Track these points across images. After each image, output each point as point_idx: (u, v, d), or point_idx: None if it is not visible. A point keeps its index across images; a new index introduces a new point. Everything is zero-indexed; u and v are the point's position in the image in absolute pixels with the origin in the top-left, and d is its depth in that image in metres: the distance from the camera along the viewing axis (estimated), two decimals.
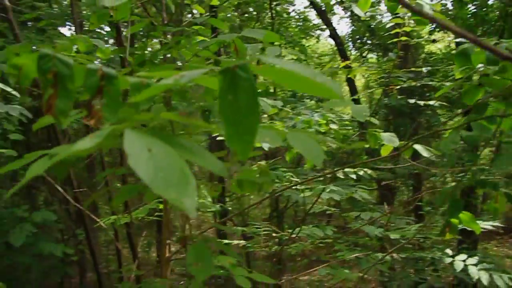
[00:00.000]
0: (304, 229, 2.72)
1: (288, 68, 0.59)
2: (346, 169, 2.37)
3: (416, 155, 2.11)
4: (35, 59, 0.72)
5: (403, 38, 2.73)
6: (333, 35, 7.54)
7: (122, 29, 2.86)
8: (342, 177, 2.37)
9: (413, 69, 4.39)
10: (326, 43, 11.99)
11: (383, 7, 7.11)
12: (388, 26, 7.30)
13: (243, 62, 0.66)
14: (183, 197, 0.55)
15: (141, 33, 5.91)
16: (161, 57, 1.89)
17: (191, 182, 0.58)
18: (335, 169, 2.39)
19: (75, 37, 1.78)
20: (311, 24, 8.71)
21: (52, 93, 0.74)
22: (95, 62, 1.32)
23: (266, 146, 2.08)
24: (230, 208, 6.95)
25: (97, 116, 0.80)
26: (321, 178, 2.98)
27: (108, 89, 0.79)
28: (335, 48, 8.39)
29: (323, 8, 7.34)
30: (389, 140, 1.88)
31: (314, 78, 0.59)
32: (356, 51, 9.39)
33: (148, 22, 2.01)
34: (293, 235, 2.72)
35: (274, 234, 3.20)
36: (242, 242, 3.39)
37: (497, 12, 6.05)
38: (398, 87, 3.51)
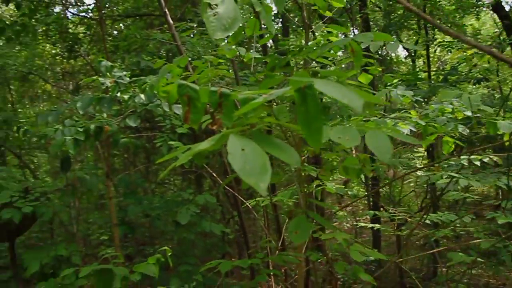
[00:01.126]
0: (439, 216, 2.78)
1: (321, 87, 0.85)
2: (472, 156, 2.38)
3: None
4: (175, 87, 1.11)
5: None
6: (498, 7, 6.90)
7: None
8: (466, 164, 2.39)
9: None
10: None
11: None
12: None
13: (309, 83, 0.94)
14: (259, 182, 0.86)
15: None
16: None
17: (267, 173, 0.88)
18: (460, 155, 2.42)
19: (222, 48, 2.31)
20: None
21: (187, 109, 1.12)
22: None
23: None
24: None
25: (219, 122, 1.16)
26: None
27: (225, 104, 1.14)
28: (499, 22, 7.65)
29: None
30: (506, 128, 1.89)
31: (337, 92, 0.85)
32: None
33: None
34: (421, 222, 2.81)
35: (408, 219, 3.30)
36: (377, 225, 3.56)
37: None
38: None
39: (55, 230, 7.98)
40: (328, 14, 2.35)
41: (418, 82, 6.48)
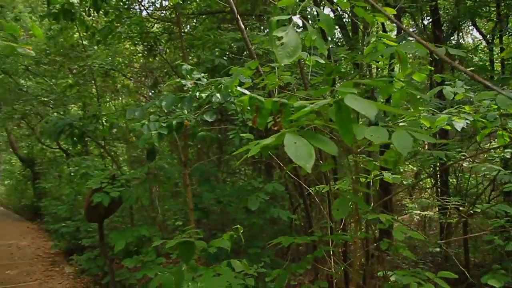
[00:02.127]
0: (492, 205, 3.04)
1: (348, 101, 1.27)
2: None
3: None
4: (247, 98, 1.58)
5: None
6: None
7: None
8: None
9: None
10: None
11: None
12: None
13: (342, 98, 1.37)
14: (306, 164, 1.30)
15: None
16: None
17: (312, 158, 1.32)
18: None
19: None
20: None
21: (255, 115, 1.58)
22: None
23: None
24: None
25: (279, 124, 1.62)
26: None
27: (284, 110, 1.59)
28: None
29: None
30: None
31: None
32: None
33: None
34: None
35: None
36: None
37: None
38: None
39: (134, 214, 8.87)
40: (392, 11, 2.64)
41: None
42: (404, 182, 3.91)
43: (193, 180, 7.59)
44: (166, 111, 3.73)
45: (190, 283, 2.97)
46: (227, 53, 6.60)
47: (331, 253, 3.42)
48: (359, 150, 2.72)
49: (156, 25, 7.72)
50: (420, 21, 9.11)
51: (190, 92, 3.67)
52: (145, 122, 4.16)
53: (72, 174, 9.26)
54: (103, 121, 6.66)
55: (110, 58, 8.52)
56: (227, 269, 3.23)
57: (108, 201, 5.56)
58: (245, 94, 3.36)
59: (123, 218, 9.27)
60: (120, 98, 13.83)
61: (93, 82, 8.65)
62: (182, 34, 6.33)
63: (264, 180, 6.94)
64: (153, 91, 9.46)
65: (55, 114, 9.53)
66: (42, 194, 15.51)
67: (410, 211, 10.10)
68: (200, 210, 6.02)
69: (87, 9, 5.59)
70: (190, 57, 7.55)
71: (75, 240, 9.91)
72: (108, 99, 13.24)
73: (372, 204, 5.59)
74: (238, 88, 2.57)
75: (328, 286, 3.26)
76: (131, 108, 4.56)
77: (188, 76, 3.70)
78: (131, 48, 8.95)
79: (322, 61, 2.69)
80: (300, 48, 1.58)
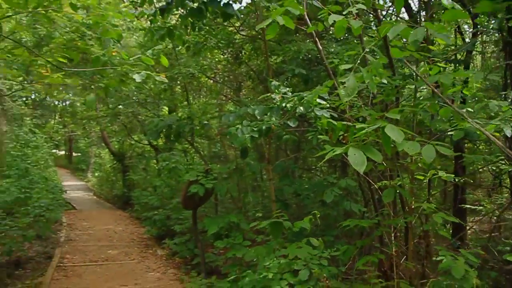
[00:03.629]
0: None
1: (387, 130, 2.23)
2: None
3: None
4: (325, 121, 2.57)
5: None
6: None
7: None
8: None
9: None
10: None
11: None
12: None
13: (384, 126, 2.32)
14: (360, 168, 2.29)
15: None
16: None
17: (364, 164, 2.30)
18: None
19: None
20: None
21: (331, 133, 2.57)
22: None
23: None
24: None
25: (346, 139, 2.60)
26: None
27: (350, 130, 2.57)
28: None
29: None
30: None
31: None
32: None
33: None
34: None
35: None
36: None
37: None
38: None
39: (218, 205, 10.12)
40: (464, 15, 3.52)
41: None
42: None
43: (273, 175, 8.64)
44: (259, 118, 4.80)
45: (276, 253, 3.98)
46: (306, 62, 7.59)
47: (391, 236, 4.31)
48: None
49: (242, 35, 8.81)
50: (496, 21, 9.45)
51: (278, 104, 4.70)
52: (239, 127, 5.25)
53: (162, 168, 10.67)
54: (197, 122, 7.89)
55: (195, 65, 9.76)
56: (307, 246, 4.24)
57: (203, 192, 6.78)
58: (322, 103, 4.35)
59: (208, 208, 10.56)
60: (202, 97, 15.26)
61: (183, 86, 9.97)
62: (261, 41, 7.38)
63: (339, 176, 7.86)
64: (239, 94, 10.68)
65: (151, 115, 11.06)
66: (131, 186, 17.45)
67: (486, 211, 10.47)
68: (281, 202, 7.05)
69: (185, 27, 6.81)
70: (272, 64, 8.59)
71: (165, 226, 11.41)
72: (191, 98, 14.70)
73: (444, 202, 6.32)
74: (317, 111, 3.55)
75: (387, 263, 4.17)
76: (226, 114, 5.70)
77: (276, 90, 4.74)
78: (218, 57, 10.13)
79: (385, 82, 3.61)
80: (357, 89, 2.55)
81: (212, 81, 12.38)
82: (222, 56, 9.61)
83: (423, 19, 6.03)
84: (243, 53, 8.59)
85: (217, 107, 12.97)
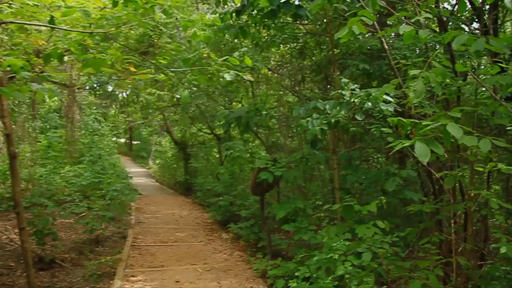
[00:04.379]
0: None
1: (449, 128, 2.80)
2: None
3: None
4: (396, 119, 3.15)
5: None
6: None
7: None
8: None
9: None
10: None
11: None
12: None
13: (446, 124, 2.88)
14: (424, 160, 2.88)
15: None
16: None
17: (428, 156, 2.90)
18: None
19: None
20: None
21: (400, 129, 3.16)
22: None
23: None
24: None
25: (413, 133, 3.19)
26: None
27: (416, 126, 3.15)
28: None
29: None
30: None
31: None
32: None
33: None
34: None
35: None
36: None
37: None
38: None
39: (280, 192, 10.79)
40: None
41: None
42: None
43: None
44: (329, 113, 5.41)
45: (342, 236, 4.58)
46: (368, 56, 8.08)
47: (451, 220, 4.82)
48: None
49: (308, 32, 9.36)
50: None
51: (347, 99, 5.29)
52: (309, 119, 5.88)
53: (226, 156, 11.46)
54: (265, 113, 8.57)
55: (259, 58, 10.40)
56: (374, 227, 4.83)
57: (272, 179, 7.46)
58: (388, 99, 4.90)
59: (269, 195, 11.28)
60: (262, 89, 15.96)
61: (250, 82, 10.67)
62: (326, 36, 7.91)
63: (399, 167, 8.33)
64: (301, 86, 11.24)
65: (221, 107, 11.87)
66: (192, 173, 18.52)
67: None
68: (344, 190, 7.60)
69: (255, 25, 7.48)
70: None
71: (229, 212, 12.27)
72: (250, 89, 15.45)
73: None
74: (382, 106, 4.12)
75: (446, 246, 4.69)
76: (296, 108, 6.34)
77: (345, 87, 5.32)
78: (283, 50, 10.75)
79: (448, 82, 4.12)
80: (424, 92, 3.11)
81: (272, 72, 13.02)
82: (286, 50, 10.21)
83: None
84: (307, 48, 9.17)
85: (277, 99, 13.59)
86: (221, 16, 6.99)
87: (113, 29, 4.95)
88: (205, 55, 4.88)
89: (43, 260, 8.70)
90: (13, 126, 16.97)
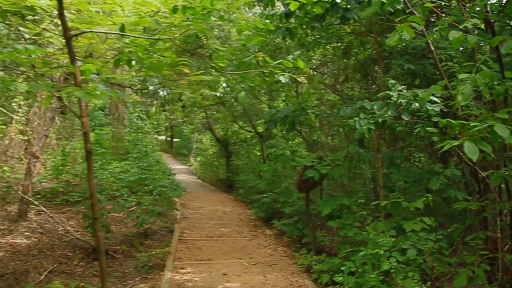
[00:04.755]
0: None
1: (496, 128, 3.03)
2: None
3: None
4: (445, 121, 3.39)
5: None
6: None
7: None
8: None
9: None
10: None
11: None
12: None
13: (493, 124, 3.11)
14: (473, 157, 3.12)
15: None
16: None
17: (476, 154, 3.14)
18: None
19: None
20: None
21: (450, 129, 3.40)
22: None
23: None
24: None
25: (462, 133, 3.42)
26: None
27: (466, 127, 3.38)
28: None
29: None
30: None
31: None
32: None
33: None
34: None
35: None
36: None
37: None
38: None
39: (322, 190, 11.04)
40: None
41: None
42: None
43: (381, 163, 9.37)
44: (377, 113, 5.65)
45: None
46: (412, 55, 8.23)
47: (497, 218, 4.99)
48: None
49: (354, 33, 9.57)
50: None
51: (393, 100, 5.51)
52: (356, 119, 6.12)
53: (269, 154, 11.79)
54: (311, 112, 8.86)
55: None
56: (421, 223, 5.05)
57: (318, 176, 7.74)
58: (435, 100, 5.10)
59: (314, 192, 11.54)
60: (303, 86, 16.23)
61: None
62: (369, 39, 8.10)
63: (443, 166, 8.45)
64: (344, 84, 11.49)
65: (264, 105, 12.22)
66: (234, 170, 18.97)
67: None
68: (388, 188, 7.80)
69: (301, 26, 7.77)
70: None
71: (272, 209, 12.62)
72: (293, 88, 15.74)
73: None
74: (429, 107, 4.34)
75: (492, 244, 4.87)
76: (343, 107, 6.60)
77: (393, 88, 5.55)
78: (327, 51, 10.98)
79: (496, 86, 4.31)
80: (472, 95, 3.33)
81: (313, 71, 13.24)
82: (328, 49, 10.43)
83: None
84: (351, 48, 9.39)
85: (318, 97, 13.81)
86: (268, 17, 7.31)
87: (177, 35, 5.33)
88: (260, 58, 5.21)
89: (97, 251, 9.27)
90: (63, 124, 17.88)
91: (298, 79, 5.28)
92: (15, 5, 4.35)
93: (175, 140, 38.85)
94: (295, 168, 10.74)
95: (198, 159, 27.56)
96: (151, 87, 19.35)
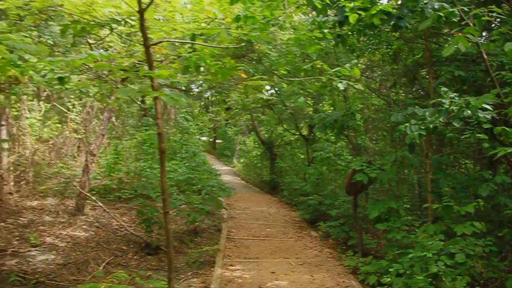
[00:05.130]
0: None
1: None
2: None
3: None
4: (500, 128, 3.59)
5: None
6: None
7: None
8: None
9: None
10: None
11: None
12: None
13: None
14: None
15: None
16: None
17: None
18: None
19: None
20: None
21: (504, 137, 3.60)
22: None
23: None
24: None
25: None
26: None
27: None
28: None
29: None
30: None
31: None
32: None
33: None
34: None
35: None
36: None
37: None
38: None
39: (368, 194, 11.19)
40: None
41: None
42: None
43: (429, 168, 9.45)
44: (428, 118, 5.83)
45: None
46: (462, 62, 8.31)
47: None
48: None
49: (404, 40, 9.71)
50: None
51: (446, 107, 5.69)
52: (407, 125, 6.31)
53: (316, 157, 12.02)
54: (359, 117, 9.07)
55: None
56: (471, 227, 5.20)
57: (367, 180, 7.95)
58: (487, 108, 5.25)
59: (359, 196, 11.71)
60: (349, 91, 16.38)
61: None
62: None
63: (493, 173, 8.48)
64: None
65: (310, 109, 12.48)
66: (278, 172, 19.28)
67: None
68: (436, 193, 7.91)
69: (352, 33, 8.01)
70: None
71: (317, 211, 12.86)
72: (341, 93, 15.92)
73: None
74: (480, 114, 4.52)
75: None
76: (395, 113, 6.80)
77: (445, 95, 5.73)
78: (376, 56, 11.15)
79: None
80: None
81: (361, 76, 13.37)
82: (378, 55, 10.60)
83: None
84: (400, 53, 9.54)
85: (363, 102, 13.93)
86: (320, 24, 7.56)
87: (243, 43, 5.70)
88: (318, 66, 5.50)
89: (150, 246, 9.79)
90: (113, 125, 18.66)
91: (356, 86, 5.54)
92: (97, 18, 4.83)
93: (217, 141, 39.54)
94: (340, 171, 10.94)
95: (242, 160, 28.05)
96: (196, 89, 19.86)
